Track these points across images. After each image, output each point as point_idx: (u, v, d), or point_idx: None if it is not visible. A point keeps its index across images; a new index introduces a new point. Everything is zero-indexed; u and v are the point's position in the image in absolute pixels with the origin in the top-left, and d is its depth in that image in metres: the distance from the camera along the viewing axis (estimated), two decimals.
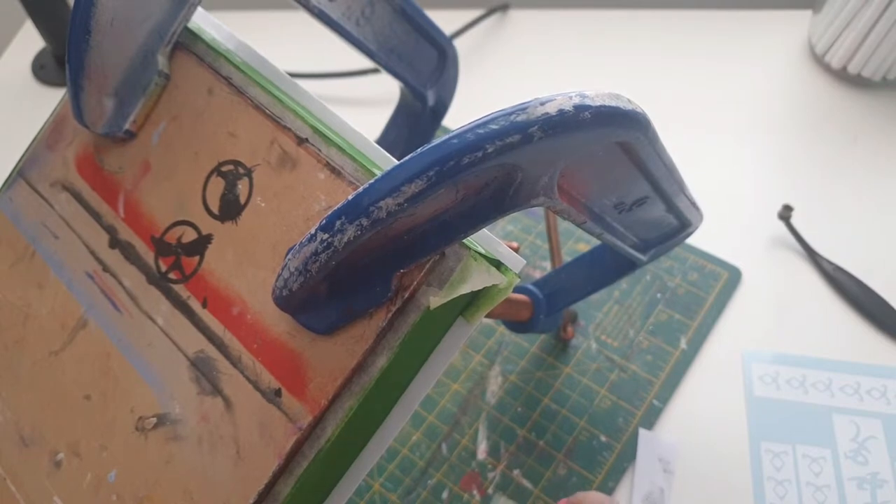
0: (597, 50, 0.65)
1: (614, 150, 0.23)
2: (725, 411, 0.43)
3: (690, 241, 0.51)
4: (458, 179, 0.19)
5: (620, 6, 0.68)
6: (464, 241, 0.23)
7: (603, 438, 0.42)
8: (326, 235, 0.20)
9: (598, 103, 0.19)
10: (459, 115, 0.47)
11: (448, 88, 0.45)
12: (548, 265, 0.51)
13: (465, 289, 0.22)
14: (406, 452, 0.43)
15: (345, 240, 0.20)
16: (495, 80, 0.64)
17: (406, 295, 0.22)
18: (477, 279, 0.22)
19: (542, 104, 0.19)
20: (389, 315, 0.22)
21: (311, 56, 0.64)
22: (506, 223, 0.54)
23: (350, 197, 0.19)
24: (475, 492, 0.41)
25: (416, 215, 0.20)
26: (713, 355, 0.45)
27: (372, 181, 0.19)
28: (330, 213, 0.20)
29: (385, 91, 0.62)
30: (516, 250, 0.25)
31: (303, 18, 0.37)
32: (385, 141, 0.48)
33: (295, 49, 0.65)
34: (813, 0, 0.60)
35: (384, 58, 0.39)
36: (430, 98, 0.45)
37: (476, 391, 0.45)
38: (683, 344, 0.46)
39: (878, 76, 0.57)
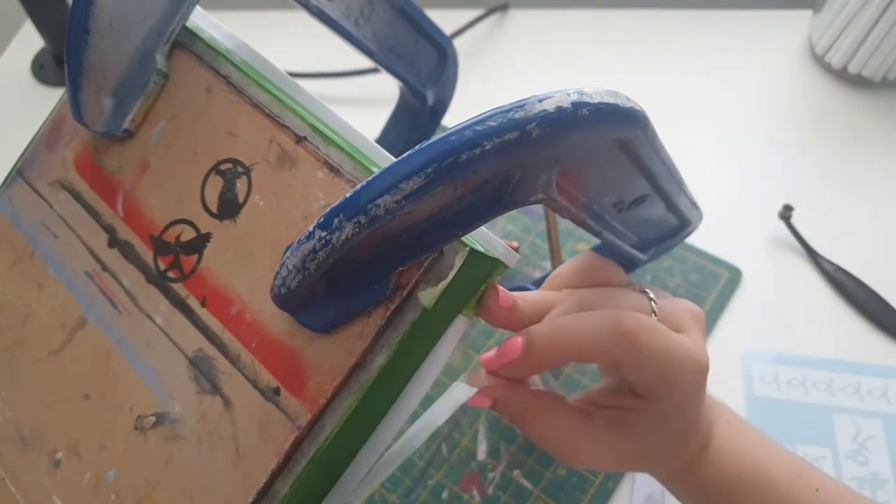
0: (597, 50, 0.65)
1: (613, 148, 0.23)
2: None
3: (690, 240, 0.51)
4: (456, 177, 0.19)
5: (620, 6, 0.68)
6: (462, 238, 0.23)
7: None
8: (325, 233, 0.20)
9: (597, 100, 0.19)
10: (459, 115, 0.47)
11: (447, 88, 0.45)
12: (548, 265, 0.51)
13: (451, 274, 0.22)
14: None
15: (343, 237, 0.20)
16: (495, 80, 0.63)
17: (404, 293, 0.22)
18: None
19: (541, 101, 0.19)
20: (388, 313, 0.22)
21: (311, 56, 0.64)
22: (506, 223, 0.53)
23: (348, 194, 0.19)
24: (475, 492, 0.41)
25: (415, 213, 0.20)
26: (713, 355, 0.45)
27: (370, 178, 0.19)
28: (328, 210, 0.20)
29: (385, 91, 0.62)
30: (516, 250, 0.25)
31: (303, 18, 0.37)
32: (384, 140, 0.48)
33: (295, 49, 0.65)
34: (813, 0, 0.60)
35: (384, 57, 0.39)
36: (430, 98, 0.45)
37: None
38: None
39: (878, 76, 0.57)
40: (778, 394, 0.43)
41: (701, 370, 0.28)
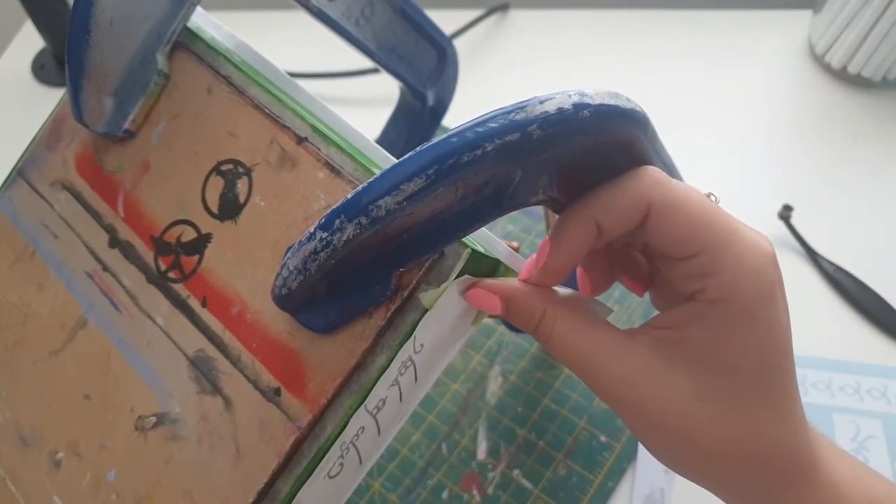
0: (597, 50, 0.65)
1: (614, 148, 0.23)
2: None
3: None
4: (457, 178, 0.19)
5: (620, 6, 0.68)
6: (463, 239, 0.23)
7: (603, 438, 0.42)
8: (325, 234, 0.20)
9: (598, 102, 0.19)
10: (459, 115, 0.47)
11: (448, 88, 0.45)
12: None
13: (452, 275, 0.22)
14: (406, 452, 0.43)
15: (344, 238, 0.20)
16: (495, 80, 0.63)
17: (405, 294, 0.22)
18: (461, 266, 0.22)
19: (542, 102, 0.19)
20: (389, 314, 0.22)
21: (311, 56, 0.64)
22: (506, 223, 0.54)
23: (349, 195, 0.19)
24: (475, 492, 0.41)
25: (416, 214, 0.20)
26: None
27: (371, 180, 0.19)
28: (329, 211, 0.20)
29: (385, 91, 0.62)
30: (517, 250, 0.25)
31: (303, 18, 0.37)
32: (384, 141, 0.48)
33: (295, 49, 0.65)
34: (813, 0, 0.61)
35: (384, 57, 0.39)
36: (430, 98, 0.45)
37: (476, 391, 0.45)
38: None
39: (878, 76, 0.57)
40: None
41: (761, 250, 0.21)
